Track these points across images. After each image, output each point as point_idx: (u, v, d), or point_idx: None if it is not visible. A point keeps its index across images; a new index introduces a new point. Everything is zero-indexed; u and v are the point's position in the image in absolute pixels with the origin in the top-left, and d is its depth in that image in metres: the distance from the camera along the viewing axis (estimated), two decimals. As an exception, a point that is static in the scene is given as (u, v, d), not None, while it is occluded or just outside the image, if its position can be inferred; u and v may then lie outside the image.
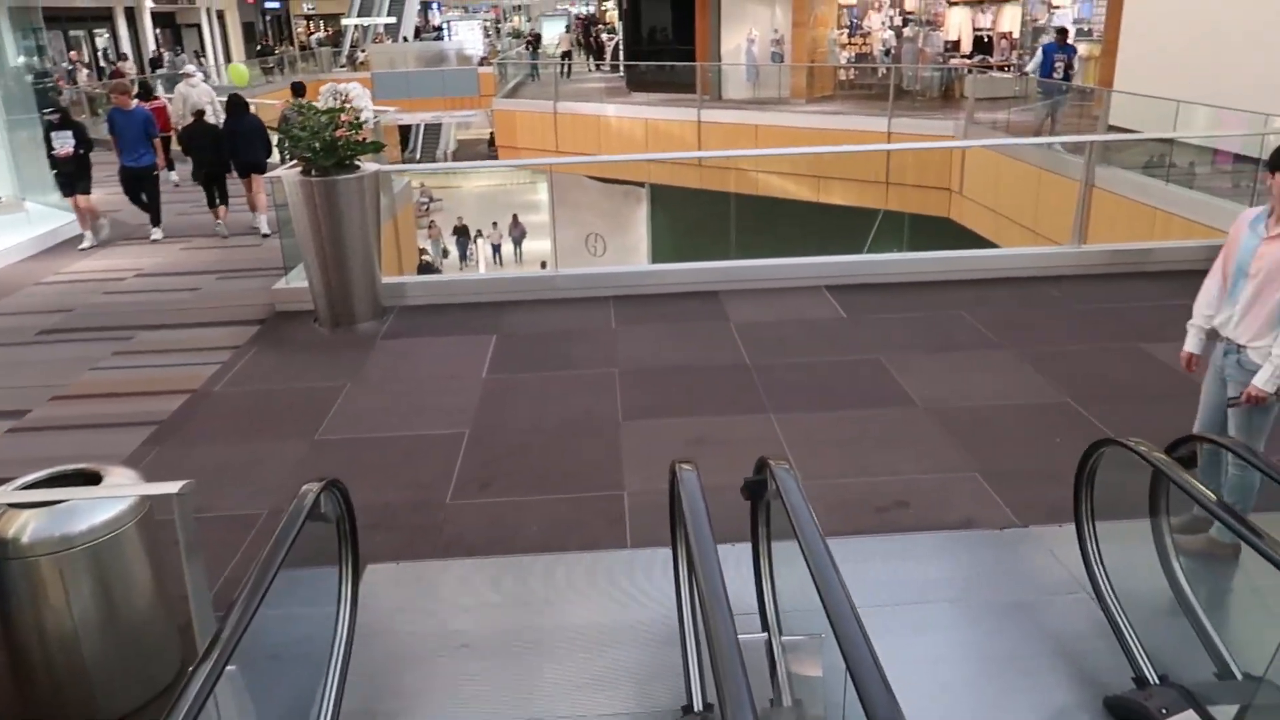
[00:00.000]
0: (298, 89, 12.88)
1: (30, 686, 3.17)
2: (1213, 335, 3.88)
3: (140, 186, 10.38)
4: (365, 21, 39.40)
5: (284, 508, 2.87)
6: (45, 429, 5.63)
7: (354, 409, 5.70)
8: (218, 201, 10.66)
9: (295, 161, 6.92)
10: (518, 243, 29.28)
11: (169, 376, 6.34)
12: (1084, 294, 7.30)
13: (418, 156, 41.10)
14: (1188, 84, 11.38)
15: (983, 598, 3.75)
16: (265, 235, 10.26)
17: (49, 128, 9.95)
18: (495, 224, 30.37)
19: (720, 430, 5.25)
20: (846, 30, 22.10)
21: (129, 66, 26.14)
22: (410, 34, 40.27)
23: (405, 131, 36.95)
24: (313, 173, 6.72)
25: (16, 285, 8.81)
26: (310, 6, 45.93)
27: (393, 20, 39.44)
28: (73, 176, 9.94)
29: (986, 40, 21.43)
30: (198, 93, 13.80)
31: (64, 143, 9.81)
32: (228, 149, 10.58)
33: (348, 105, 6.77)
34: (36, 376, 6.44)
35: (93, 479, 3.23)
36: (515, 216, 29.64)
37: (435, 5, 49.61)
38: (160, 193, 10.68)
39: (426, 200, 35.81)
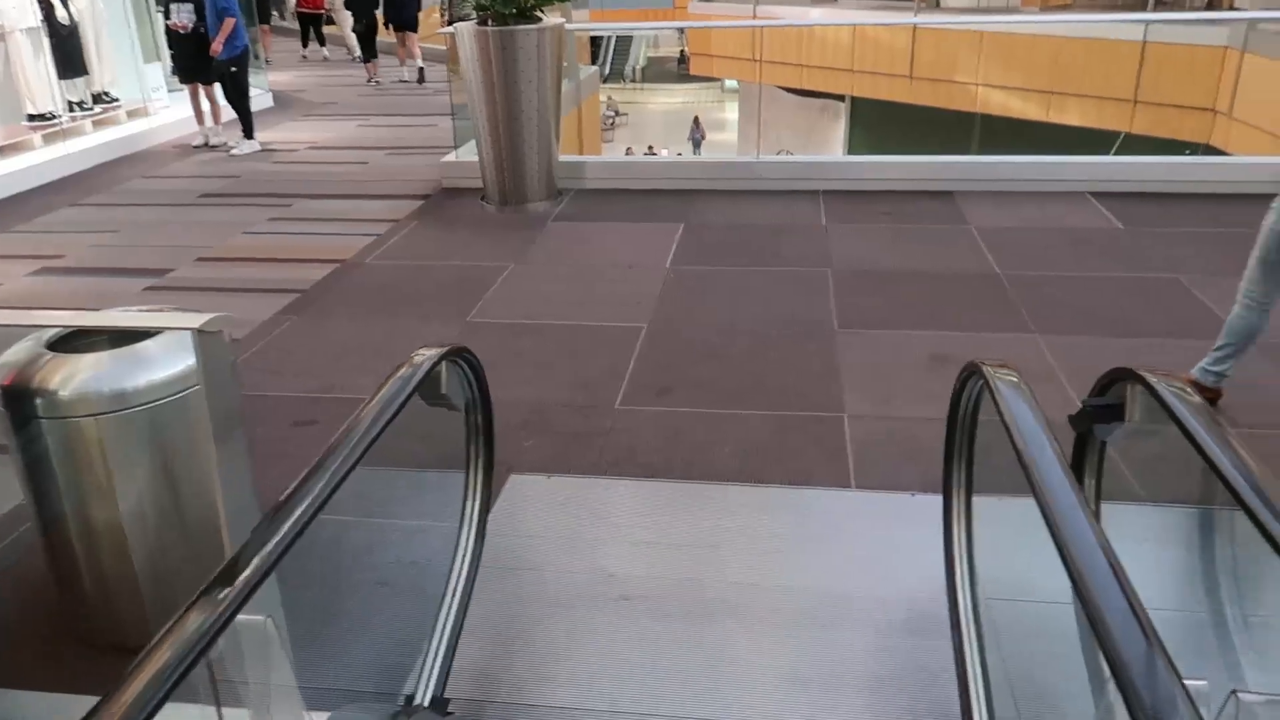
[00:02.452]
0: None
1: (76, 598, 2.45)
2: None
3: (223, 83, 8.21)
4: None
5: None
6: (182, 289, 5.06)
7: (514, 292, 4.84)
8: (371, 57, 12.31)
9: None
10: (697, 145, 28.04)
11: (321, 245, 5.68)
12: None
13: (607, 72, 40.48)
14: None
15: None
16: (408, 81, 12.10)
17: None
18: (680, 154, 29.30)
19: (967, 349, 4.02)
20: (1096, -72, 19.25)
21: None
22: (606, -60, 39.10)
23: (594, 44, 36.11)
24: (489, 23, 5.82)
25: (188, 152, 8.46)
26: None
27: (589, -75, 38.37)
28: (192, 59, 8.20)
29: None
30: None
31: (181, 15, 8.03)
32: (383, 7, 12.21)
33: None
34: (187, 237, 5.93)
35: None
36: (696, 119, 28.44)
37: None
38: (246, 92, 8.29)
39: (613, 114, 35.07)
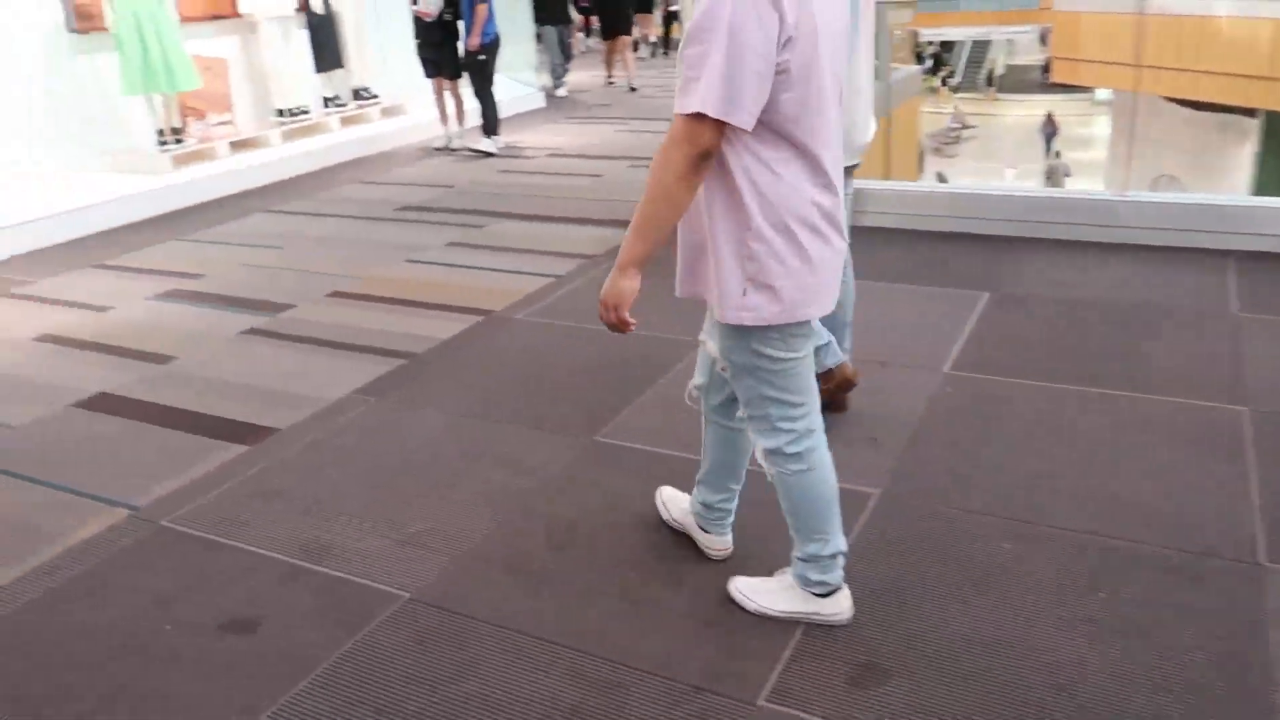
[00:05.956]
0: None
1: None
2: None
3: (470, 73, 7.25)
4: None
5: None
6: (280, 336, 3.86)
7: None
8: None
9: None
10: (1048, 140, 24.17)
11: (481, 285, 4.33)
12: None
13: (959, 80, 37.23)
14: None
15: None
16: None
17: None
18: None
19: None
20: None
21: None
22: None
23: (943, 50, 33.07)
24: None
25: (425, 155, 7.57)
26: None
27: (952, -79, 35.36)
28: (436, 51, 7.24)
29: None
30: None
31: (429, 1, 7.08)
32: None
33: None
34: (341, 263, 4.83)
35: None
36: (1049, 115, 24.68)
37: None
38: (491, 83, 7.24)
39: (959, 126, 31.82)
